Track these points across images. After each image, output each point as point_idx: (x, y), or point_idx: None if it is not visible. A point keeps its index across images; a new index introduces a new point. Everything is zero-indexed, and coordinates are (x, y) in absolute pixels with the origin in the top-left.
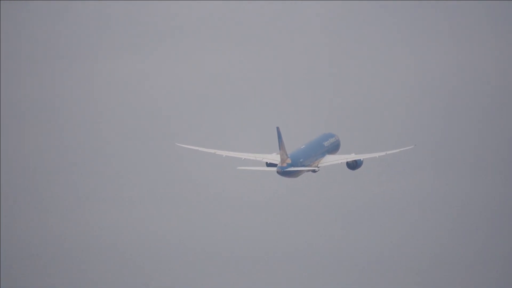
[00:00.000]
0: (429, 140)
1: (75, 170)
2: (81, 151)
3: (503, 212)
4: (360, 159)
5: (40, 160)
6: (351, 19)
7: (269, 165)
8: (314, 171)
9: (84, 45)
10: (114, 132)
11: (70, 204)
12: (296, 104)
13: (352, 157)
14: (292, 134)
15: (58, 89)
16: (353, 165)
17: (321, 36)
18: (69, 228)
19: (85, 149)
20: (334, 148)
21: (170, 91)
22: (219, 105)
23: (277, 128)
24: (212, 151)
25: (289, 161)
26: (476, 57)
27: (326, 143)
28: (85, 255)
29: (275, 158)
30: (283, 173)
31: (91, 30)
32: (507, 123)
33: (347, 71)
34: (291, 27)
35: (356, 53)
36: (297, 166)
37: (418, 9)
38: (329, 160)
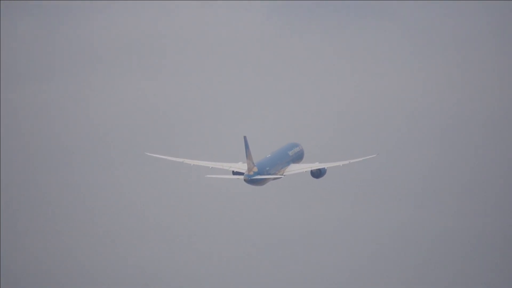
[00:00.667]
0: (392, 149)
1: (47, 183)
2: (52, 162)
3: (467, 225)
4: (324, 168)
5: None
6: (314, 29)
7: (235, 173)
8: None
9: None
10: (84, 142)
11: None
12: (261, 114)
13: (316, 165)
14: (258, 143)
15: (54, 91)
16: (317, 173)
17: (284, 48)
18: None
19: (57, 160)
20: (298, 157)
21: (140, 103)
22: (187, 115)
23: (244, 137)
24: (181, 160)
25: (255, 169)
26: (441, 67)
27: (290, 152)
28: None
29: (241, 166)
30: (250, 181)
31: (82, 40)
32: (470, 133)
33: (310, 81)
34: (254, 39)
35: (318, 63)
36: (264, 174)
37: (383, 17)
38: (294, 168)
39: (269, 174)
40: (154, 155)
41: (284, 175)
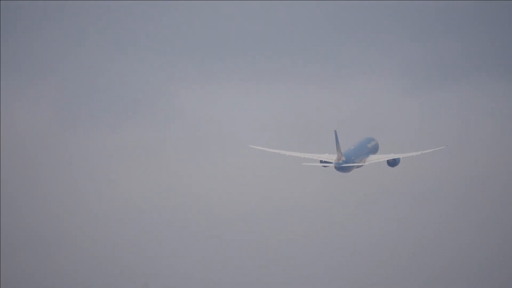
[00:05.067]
0: (460, 142)
1: (150, 168)
2: (156, 152)
3: None
4: (399, 158)
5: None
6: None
7: (322, 162)
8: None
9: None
10: (202, 136)
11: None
12: (337, 112)
13: (391, 156)
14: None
15: (61, 89)
16: (393, 162)
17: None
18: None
19: (161, 150)
20: (375, 149)
21: (246, 107)
22: (282, 113)
23: (335, 131)
24: (277, 151)
25: (343, 158)
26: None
27: (369, 145)
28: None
29: (328, 157)
30: (340, 168)
31: (92, 30)
32: None
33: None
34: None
35: (384, 63)
36: (350, 162)
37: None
38: (373, 158)
39: (354, 162)
40: (256, 147)
41: (365, 164)
